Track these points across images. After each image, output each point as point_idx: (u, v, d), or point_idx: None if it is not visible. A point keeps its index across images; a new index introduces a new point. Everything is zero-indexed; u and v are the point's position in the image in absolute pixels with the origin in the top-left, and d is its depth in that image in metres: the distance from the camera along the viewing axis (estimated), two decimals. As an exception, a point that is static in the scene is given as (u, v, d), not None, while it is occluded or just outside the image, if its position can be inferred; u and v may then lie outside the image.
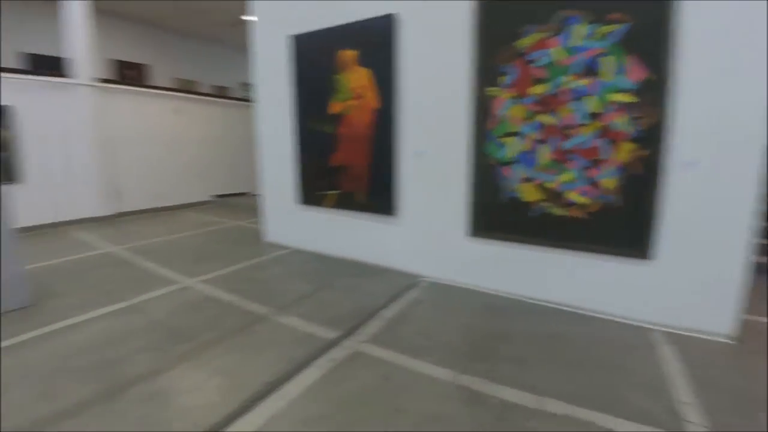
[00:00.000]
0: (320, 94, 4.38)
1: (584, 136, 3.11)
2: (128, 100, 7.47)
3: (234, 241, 5.48)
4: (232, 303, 3.27)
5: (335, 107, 4.32)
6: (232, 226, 6.58)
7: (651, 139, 2.85)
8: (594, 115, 3.05)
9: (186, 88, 9.68)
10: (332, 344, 2.59)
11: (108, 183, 7.07)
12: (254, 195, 9.93)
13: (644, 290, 2.97)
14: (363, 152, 4.15)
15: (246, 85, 13.74)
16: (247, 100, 10.66)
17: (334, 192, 4.46)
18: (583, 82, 3.07)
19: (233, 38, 12.11)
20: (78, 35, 6.60)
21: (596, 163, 3.08)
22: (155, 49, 10.85)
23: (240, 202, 8.98)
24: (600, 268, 3.11)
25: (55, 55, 8.55)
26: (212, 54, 12.48)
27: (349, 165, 4.28)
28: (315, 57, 4.37)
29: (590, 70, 3.02)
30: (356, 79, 4.09)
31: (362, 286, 3.66)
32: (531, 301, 3.34)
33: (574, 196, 3.18)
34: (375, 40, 3.90)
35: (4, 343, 2.61)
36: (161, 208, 8.10)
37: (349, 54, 4.11)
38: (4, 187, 3.12)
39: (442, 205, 3.76)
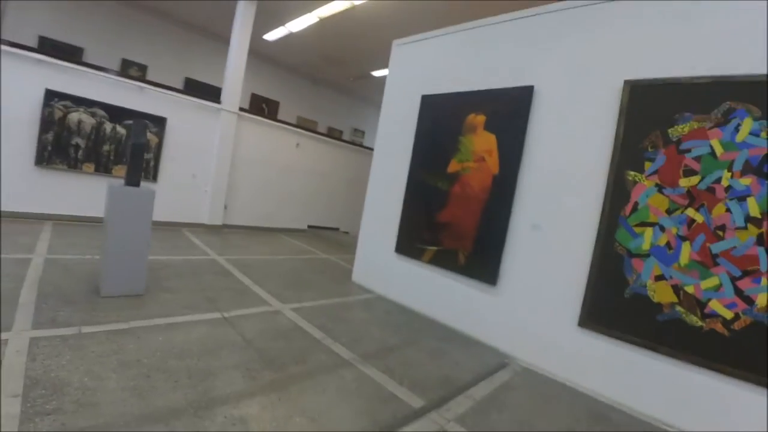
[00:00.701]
0: (441, 152, 4.44)
1: (739, 241, 2.69)
2: (257, 129, 8.35)
3: (323, 274, 5.60)
4: (319, 340, 3.24)
5: (454, 166, 4.33)
6: (322, 258, 6.77)
7: (824, 258, 2.38)
8: (753, 220, 2.64)
9: (306, 126, 10.63)
10: (418, 414, 2.39)
11: (221, 196, 7.79)
12: (344, 232, 10.28)
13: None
14: (473, 214, 4.05)
15: (357, 131, 14.74)
16: (355, 144, 11.36)
17: (434, 248, 4.37)
18: (745, 182, 2.70)
19: (354, 88, 13.24)
20: (233, 70, 7.65)
21: (750, 274, 2.62)
22: (286, 89, 12.22)
23: (331, 236, 9.33)
24: (736, 396, 2.56)
25: (206, 81, 10.06)
26: (333, 99, 13.70)
27: (456, 224, 4.19)
28: (441, 117, 4.50)
29: (755, 169, 2.66)
30: (481, 142, 4.09)
31: (449, 353, 3.42)
32: (643, 416, 2.83)
33: (717, 307, 2.72)
34: (507, 109, 3.91)
35: (115, 326, 2.82)
36: (262, 227, 8.69)
37: (477, 118, 4.15)
38: (148, 185, 3.53)
39: (552, 286, 3.45)
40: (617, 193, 3.17)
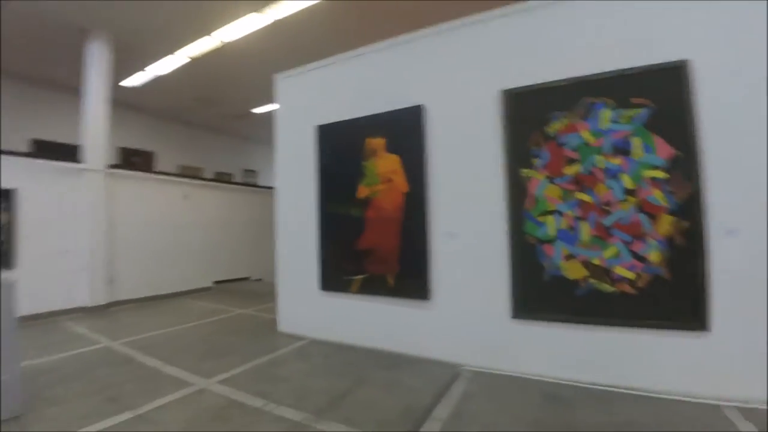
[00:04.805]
0: (347, 180, 4.38)
1: (624, 212, 3.10)
2: (134, 185, 7.42)
3: (244, 332, 5.06)
4: (260, 409, 2.85)
5: (363, 192, 4.30)
6: (238, 314, 6.16)
7: (689, 210, 2.87)
8: (630, 191, 3.07)
9: (191, 174, 9.77)
10: (392, 457, 2.21)
11: (102, 270, 6.67)
12: (256, 280, 9.57)
13: (705, 364, 2.78)
14: (392, 234, 4.05)
15: (248, 171, 14.06)
16: (248, 185, 10.81)
17: (360, 276, 4.24)
18: (616, 161, 3.13)
19: (236, 128, 12.67)
20: (92, 123, 6.71)
21: (639, 237, 3.03)
22: (160, 137, 11.20)
23: (242, 288, 8.61)
24: (656, 344, 2.93)
25: (61, 141, 8.66)
26: (215, 142, 12.93)
27: (378, 248, 4.14)
28: (341, 145, 4.46)
29: (621, 149, 3.11)
30: (385, 164, 4.15)
31: (401, 381, 3.30)
32: (590, 385, 3.04)
33: (621, 271, 3.08)
34: (403, 129, 4.03)
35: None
36: (159, 296, 7.62)
37: (377, 141, 4.20)
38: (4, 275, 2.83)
39: (481, 287, 3.58)
40: (517, 190, 3.45)
